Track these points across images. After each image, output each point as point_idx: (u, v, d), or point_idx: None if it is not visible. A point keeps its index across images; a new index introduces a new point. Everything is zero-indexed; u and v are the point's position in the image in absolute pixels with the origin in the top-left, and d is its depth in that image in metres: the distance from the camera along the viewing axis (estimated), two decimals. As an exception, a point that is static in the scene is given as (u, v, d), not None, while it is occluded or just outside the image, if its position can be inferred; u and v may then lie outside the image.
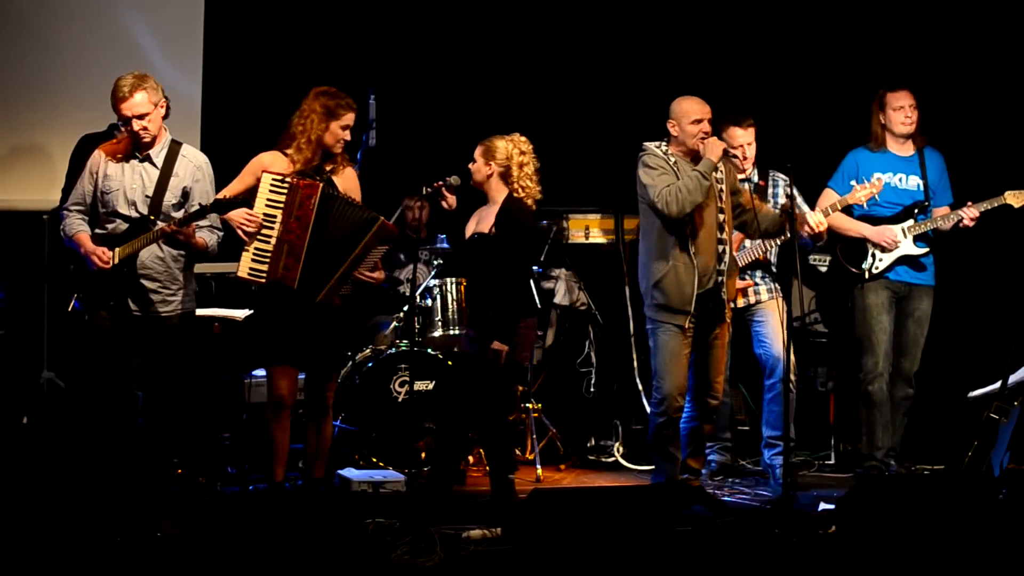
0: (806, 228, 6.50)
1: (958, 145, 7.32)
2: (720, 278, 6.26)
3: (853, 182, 6.79)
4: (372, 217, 5.88)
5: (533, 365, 7.44)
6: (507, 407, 6.26)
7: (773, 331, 6.70)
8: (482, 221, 6.14)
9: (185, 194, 5.81)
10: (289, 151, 5.92)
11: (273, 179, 5.82)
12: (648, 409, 6.29)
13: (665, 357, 6.23)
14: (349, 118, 5.92)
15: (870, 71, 7.75)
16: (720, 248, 6.26)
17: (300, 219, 5.79)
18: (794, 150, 7.43)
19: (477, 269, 6.15)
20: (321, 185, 5.82)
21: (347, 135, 5.92)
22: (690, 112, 6.27)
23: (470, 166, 6.16)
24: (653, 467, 6.50)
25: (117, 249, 5.71)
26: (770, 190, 6.89)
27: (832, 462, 7.37)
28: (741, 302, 6.78)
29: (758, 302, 6.80)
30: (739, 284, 6.70)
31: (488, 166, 6.13)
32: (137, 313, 5.76)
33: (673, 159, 6.23)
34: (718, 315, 6.27)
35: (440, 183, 6.17)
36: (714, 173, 6.21)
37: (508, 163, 6.12)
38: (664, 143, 6.32)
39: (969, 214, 6.73)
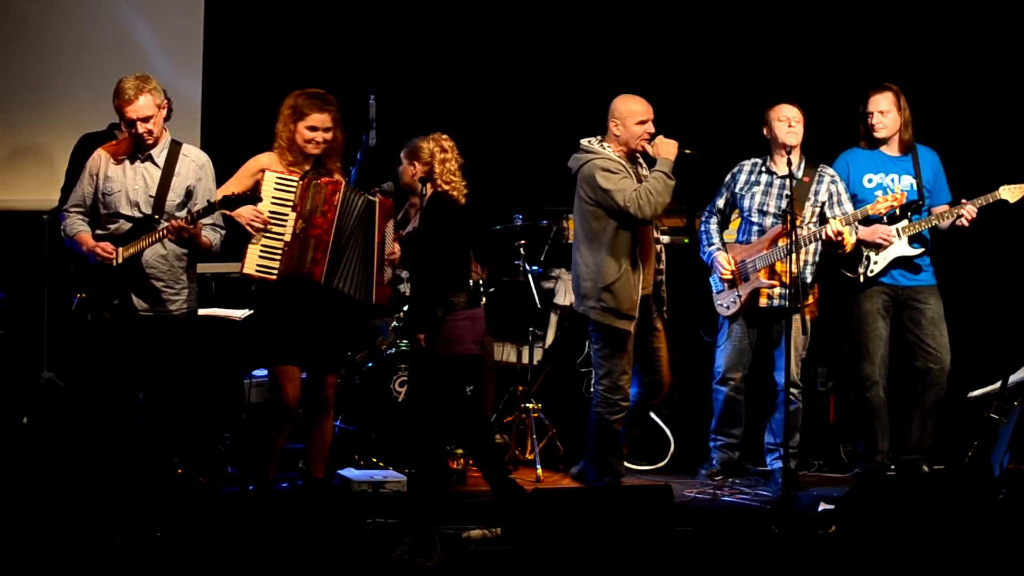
0: (825, 234, 6.54)
1: (953, 140, 7.31)
2: (660, 277, 6.36)
3: (879, 193, 6.77)
4: (369, 200, 5.96)
5: (534, 366, 7.43)
6: (457, 401, 6.22)
7: (788, 341, 6.67)
8: (412, 220, 6.20)
9: (188, 193, 5.82)
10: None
11: (278, 178, 5.85)
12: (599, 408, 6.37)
13: (621, 357, 6.33)
14: (315, 118, 5.86)
15: (867, 67, 7.74)
16: (658, 248, 6.38)
17: (326, 214, 5.84)
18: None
19: (412, 267, 6.20)
20: (344, 182, 5.88)
21: (317, 136, 5.87)
22: (636, 113, 6.34)
23: (398, 169, 6.22)
24: (596, 468, 6.46)
25: (121, 249, 5.72)
26: (812, 186, 6.77)
27: (832, 462, 7.36)
28: (764, 302, 6.77)
29: (781, 307, 6.72)
30: (762, 283, 6.70)
31: (413, 167, 6.21)
32: (142, 313, 5.77)
33: (622, 160, 6.30)
34: (656, 314, 6.37)
35: (376, 189, 6.22)
36: (646, 172, 6.30)
37: (431, 161, 6.17)
38: (599, 140, 6.36)
39: (967, 212, 6.72)
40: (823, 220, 6.74)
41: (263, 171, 5.88)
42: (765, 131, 6.80)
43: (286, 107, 5.93)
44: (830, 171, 6.83)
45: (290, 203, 5.84)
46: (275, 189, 5.83)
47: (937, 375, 6.89)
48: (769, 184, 6.78)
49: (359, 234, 5.94)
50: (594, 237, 6.30)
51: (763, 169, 6.82)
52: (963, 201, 6.73)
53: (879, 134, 6.87)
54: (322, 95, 5.94)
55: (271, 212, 5.83)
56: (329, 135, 5.89)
